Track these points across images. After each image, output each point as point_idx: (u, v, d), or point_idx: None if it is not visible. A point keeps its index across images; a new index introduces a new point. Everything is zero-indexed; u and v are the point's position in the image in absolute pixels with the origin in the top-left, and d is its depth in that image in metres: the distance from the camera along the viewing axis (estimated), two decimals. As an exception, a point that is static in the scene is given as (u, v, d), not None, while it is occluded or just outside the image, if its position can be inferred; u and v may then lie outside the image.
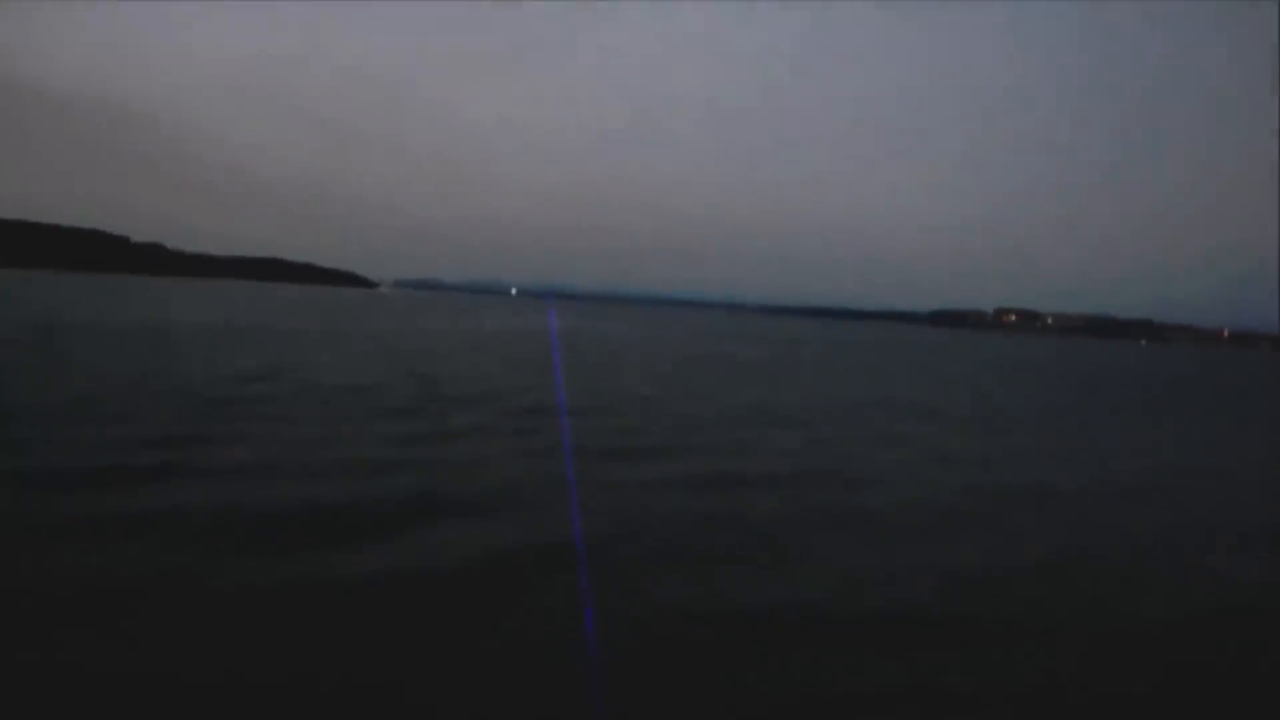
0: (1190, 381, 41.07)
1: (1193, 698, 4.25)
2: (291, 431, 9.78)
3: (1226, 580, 6.35)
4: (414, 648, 4.16)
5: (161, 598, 4.58)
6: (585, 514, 6.81)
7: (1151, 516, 8.37)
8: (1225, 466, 12.53)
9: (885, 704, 3.91)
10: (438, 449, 9.30)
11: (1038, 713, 3.94)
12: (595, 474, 8.47)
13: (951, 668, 4.30)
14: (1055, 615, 5.21)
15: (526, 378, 18.33)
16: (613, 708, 3.67)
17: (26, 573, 4.83)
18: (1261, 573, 6.75)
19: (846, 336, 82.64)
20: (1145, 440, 15.16)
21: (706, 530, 6.66)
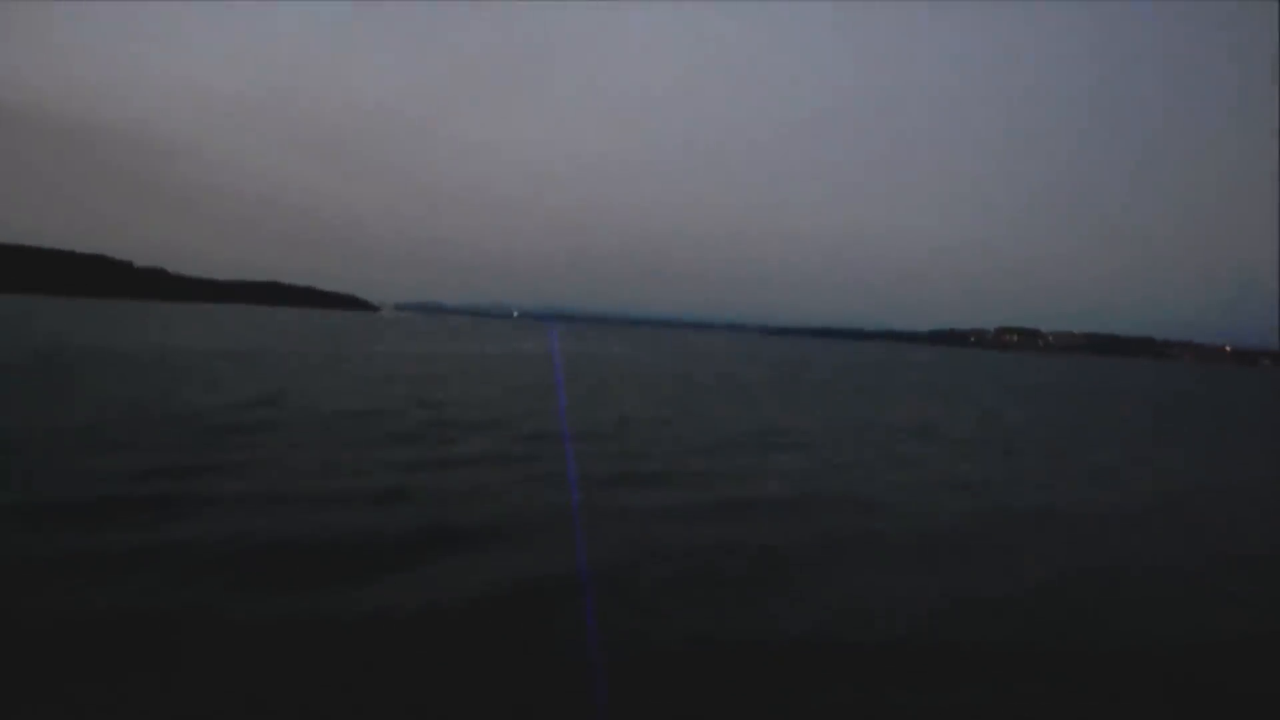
0: (1194, 398, 40.91)
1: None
2: (295, 459, 9.72)
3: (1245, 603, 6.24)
4: (422, 683, 4.07)
5: (167, 634, 4.50)
6: (590, 543, 6.73)
7: (1165, 538, 8.26)
8: (1239, 484, 12.40)
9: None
10: (442, 476, 9.22)
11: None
12: (600, 501, 8.39)
13: (964, 696, 4.20)
14: (1070, 642, 5.11)
15: (530, 402, 18.28)
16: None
17: (29, 609, 4.75)
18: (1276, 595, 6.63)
19: (848, 357, 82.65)
20: (1153, 458, 15.03)
21: (713, 557, 6.57)
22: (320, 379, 20.94)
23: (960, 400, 28.39)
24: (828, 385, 32.54)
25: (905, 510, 8.91)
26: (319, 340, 44.76)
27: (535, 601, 5.34)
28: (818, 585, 6.05)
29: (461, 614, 5.04)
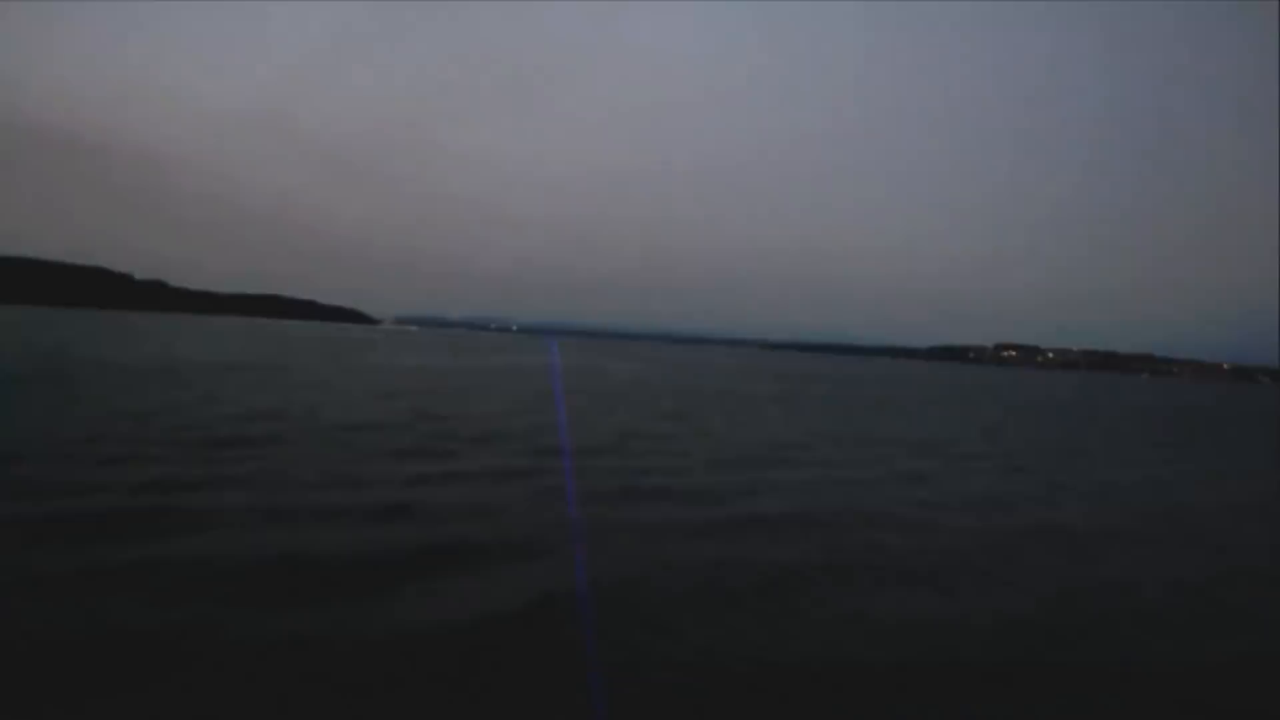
0: (1194, 412, 40.90)
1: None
2: (297, 473, 9.69)
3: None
4: (418, 703, 4.04)
5: (167, 651, 4.46)
6: (590, 560, 6.69)
7: (1173, 553, 8.22)
8: (1245, 499, 12.36)
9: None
10: (443, 492, 9.19)
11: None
12: (601, 517, 8.35)
13: (983, 716, 4.17)
14: (1085, 662, 5.07)
15: (531, 416, 18.25)
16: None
17: (28, 623, 4.72)
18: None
19: (848, 372, 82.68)
20: (1158, 473, 15.00)
21: (716, 575, 6.52)
22: (321, 392, 20.92)
23: (962, 415, 28.37)
24: (828, 400, 32.52)
25: (912, 526, 8.87)
26: (320, 353, 44.76)
27: (534, 620, 5.28)
28: (824, 603, 6.02)
29: (458, 633, 4.99)
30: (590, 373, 42.85)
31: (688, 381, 39.85)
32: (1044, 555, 7.96)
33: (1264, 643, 5.79)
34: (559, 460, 11.97)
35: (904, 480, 12.29)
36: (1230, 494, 13.25)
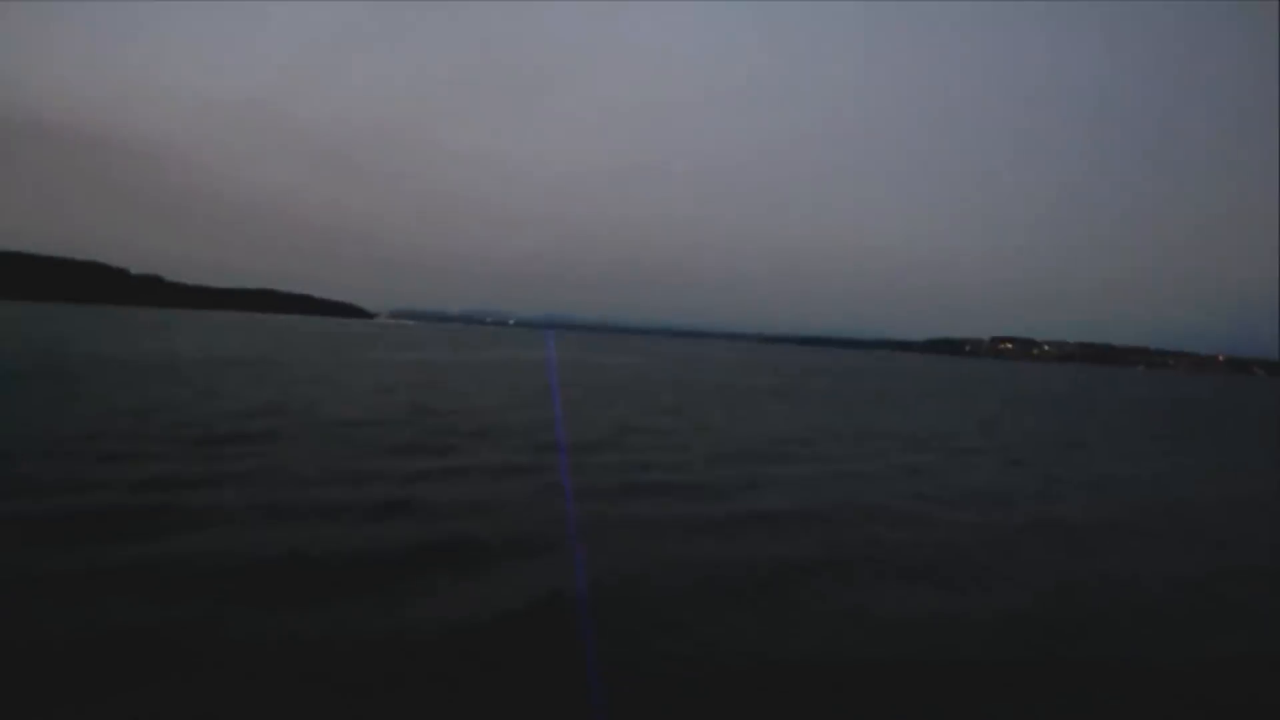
0: (1191, 405, 40.99)
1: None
2: (297, 470, 9.68)
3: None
4: (416, 703, 4.04)
5: (167, 650, 4.46)
6: (589, 557, 6.69)
7: (1175, 548, 8.25)
8: (1245, 492, 12.40)
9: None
10: (441, 488, 9.19)
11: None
12: (600, 513, 8.35)
13: (981, 714, 4.19)
14: (1088, 658, 5.09)
15: (530, 411, 18.25)
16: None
17: (26, 623, 4.71)
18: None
19: (845, 364, 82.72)
20: (1157, 466, 15.04)
21: (716, 571, 6.52)
22: (319, 387, 20.88)
23: (960, 408, 28.40)
24: (827, 393, 32.54)
25: (912, 521, 8.89)
26: (316, 347, 44.66)
27: (534, 617, 5.28)
28: (824, 598, 6.03)
29: (458, 631, 4.99)
30: (588, 367, 42.82)
31: (686, 375, 39.84)
32: (1043, 549, 7.99)
33: (1264, 639, 5.81)
34: (558, 455, 11.98)
35: (903, 474, 12.31)
36: (1229, 488, 13.28)
